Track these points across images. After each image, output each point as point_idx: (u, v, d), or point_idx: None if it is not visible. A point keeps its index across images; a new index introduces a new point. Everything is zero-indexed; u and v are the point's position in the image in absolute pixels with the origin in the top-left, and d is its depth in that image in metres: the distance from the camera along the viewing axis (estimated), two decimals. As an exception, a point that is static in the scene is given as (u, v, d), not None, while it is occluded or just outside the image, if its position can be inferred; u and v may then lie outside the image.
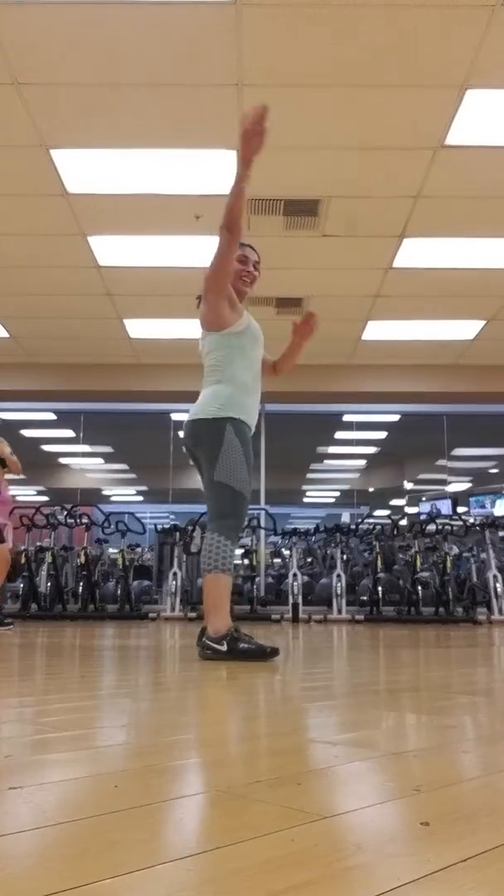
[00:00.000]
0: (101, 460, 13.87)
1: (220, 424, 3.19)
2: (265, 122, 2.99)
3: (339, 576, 8.11)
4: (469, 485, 13.11)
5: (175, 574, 8.07)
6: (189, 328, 7.90)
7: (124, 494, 15.34)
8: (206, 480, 3.25)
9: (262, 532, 9.21)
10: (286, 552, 9.89)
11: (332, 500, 15.50)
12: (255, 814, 0.89)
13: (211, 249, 3.28)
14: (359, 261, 6.54)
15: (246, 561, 8.83)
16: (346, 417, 11.08)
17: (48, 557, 8.12)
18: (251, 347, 3.33)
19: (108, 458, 13.83)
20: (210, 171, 5.18)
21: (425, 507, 11.24)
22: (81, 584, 8.33)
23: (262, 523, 8.87)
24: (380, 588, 8.09)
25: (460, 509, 11.03)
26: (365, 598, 8.61)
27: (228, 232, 3.14)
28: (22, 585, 8.00)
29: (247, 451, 3.24)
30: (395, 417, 10.85)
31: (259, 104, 3.03)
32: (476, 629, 6.59)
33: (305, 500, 15.69)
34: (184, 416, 3.37)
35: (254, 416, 3.33)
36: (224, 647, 3.01)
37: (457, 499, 11.23)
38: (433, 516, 9.12)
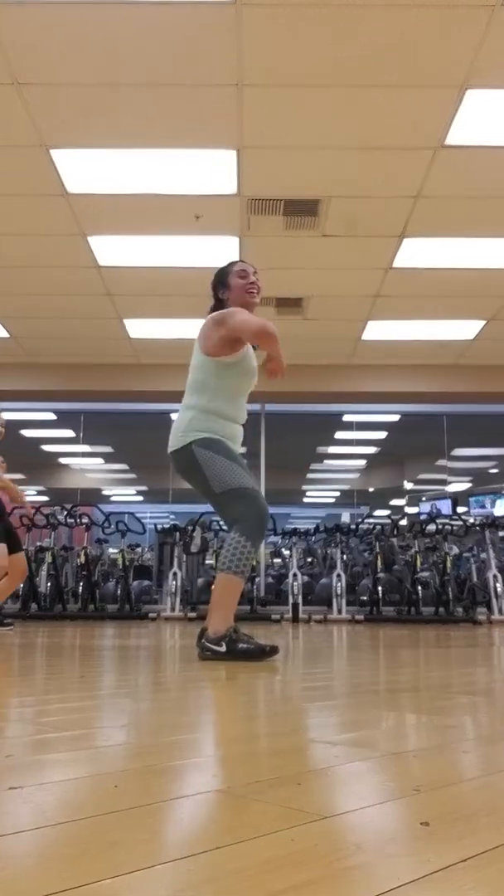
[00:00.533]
0: (101, 460, 13.87)
1: (187, 451, 3.23)
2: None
3: (338, 576, 8.11)
4: (469, 485, 13.12)
5: (175, 574, 8.07)
6: (189, 328, 7.89)
7: (124, 494, 15.35)
8: (212, 500, 3.27)
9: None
10: (286, 552, 9.89)
11: (332, 500, 15.50)
12: (255, 814, 0.89)
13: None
14: (359, 261, 6.54)
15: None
16: (346, 417, 11.08)
17: (48, 557, 8.12)
18: (236, 379, 3.32)
19: (108, 458, 13.83)
20: (210, 171, 5.18)
21: (425, 508, 11.25)
22: (81, 584, 8.33)
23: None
24: (380, 588, 8.09)
25: (460, 509, 11.03)
26: (365, 598, 8.61)
27: (270, 336, 3.14)
28: (22, 585, 7.99)
29: (227, 454, 3.23)
30: (395, 417, 10.85)
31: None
32: (476, 629, 6.59)
33: (305, 500, 15.70)
34: (174, 423, 3.39)
35: (226, 432, 3.30)
36: (223, 648, 3.02)
37: (457, 499, 11.24)
38: (433, 516, 9.13)
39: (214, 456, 3.20)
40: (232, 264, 3.48)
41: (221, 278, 3.45)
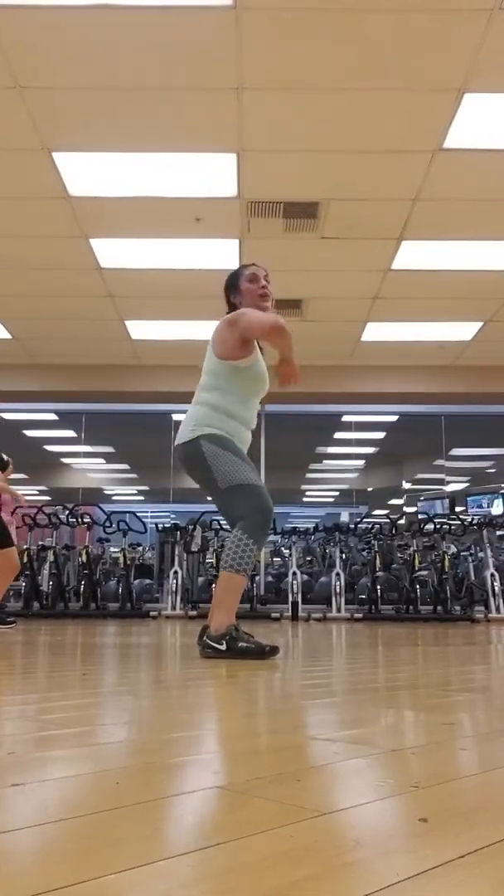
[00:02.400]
0: (102, 460, 13.87)
1: (196, 445, 3.22)
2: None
3: (338, 574, 8.12)
4: (467, 484, 13.13)
5: (176, 573, 8.07)
6: (190, 329, 7.90)
7: (125, 494, 15.35)
8: (216, 496, 3.25)
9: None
10: (286, 551, 9.89)
11: (332, 500, 15.51)
12: (255, 810, 0.89)
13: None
14: (358, 263, 6.54)
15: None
16: (346, 418, 11.09)
17: (50, 556, 8.12)
18: (248, 382, 3.33)
19: (109, 458, 13.83)
20: (210, 173, 5.19)
21: (424, 508, 11.25)
22: (83, 582, 8.33)
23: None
24: (378, 587, 8.10)
25: (458, 509, 11.04)
26: (364, 596, 8.61)
27: (282, 331, 3.16)
28: (24, 584, 8.00)
29: (234, 450, 3.24)
30: (394, 418, 10.85)
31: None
32: (474, 627, 6.60)
33: (305, 499, 15.70)
34: (184, 417, 3.40)
35: (236, 433, 3.30)
36: (223, 646, 3.02)
37: (454, 498, 11.24)
38: (431, 516, 9.14)
39: (222, 452, 3.20)
40: (244, 268, 3.46)
41: (233, 282, 3.43)
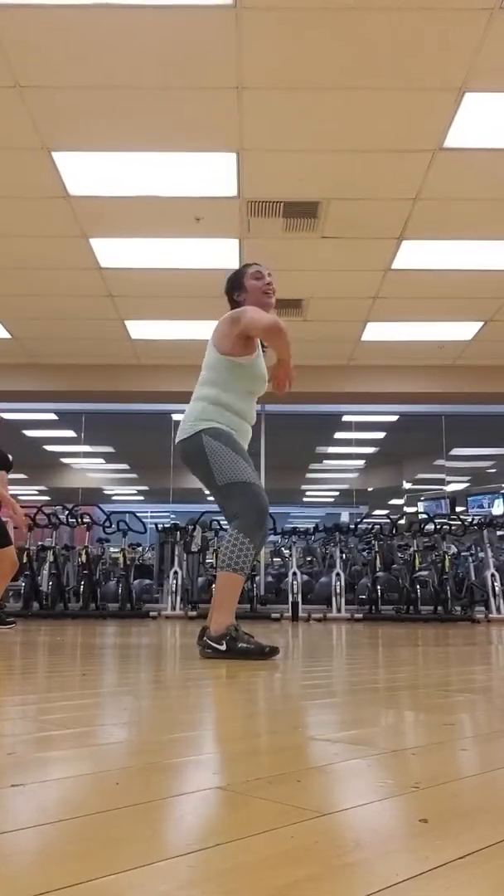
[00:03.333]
0: (102, 460, 13.87)
1: (197, 439, 3.23)
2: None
3: (338, 575, 8.11)
4: (467, 484, 13.12)
5: (176, 573, 8.07)
6: (189, 329, 7.91)
7: (125, 494, 15.35)
8: (214, 492, 3.27)
9: (262, 532, 9.19)
10: (286, 551, 9.89)
11: (332, 500, 15.50)
12: (255, 811, 0.89)
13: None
14: (358, 262, 6.54)
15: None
16: (346, 418, 11.09)
17: (50, 556, 8.12)
18: (247, 380, 3.34)
19: (109, 458, 13.83)
20: (210, 173, 5.19)
21: (430, 508, 11.24)
22: (83, 582, 8.33)
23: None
24: (379, 587, 8.09)
25: (458, 509, 11.04)
26: (364, 596, 8.61)
27: (280, 331, 3.18)
28: (24, 584, 8.00)
29: (234, 447, 3.25)
30: (394, 418, 10.85)
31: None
32: (474, 628, 6.60)
33: (305, 499, 15.70)
34: (184, 413, 3.41)
35: (237, 426, 3.32)
36: (223, 647, 3.02)
37: (455, 498, 11.24)
38: (431, 516, 9.13)
39: (222, 447, 3.21)
40: (247, 266, 3.50)
41: (237, 280, 3.45)
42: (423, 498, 11.84)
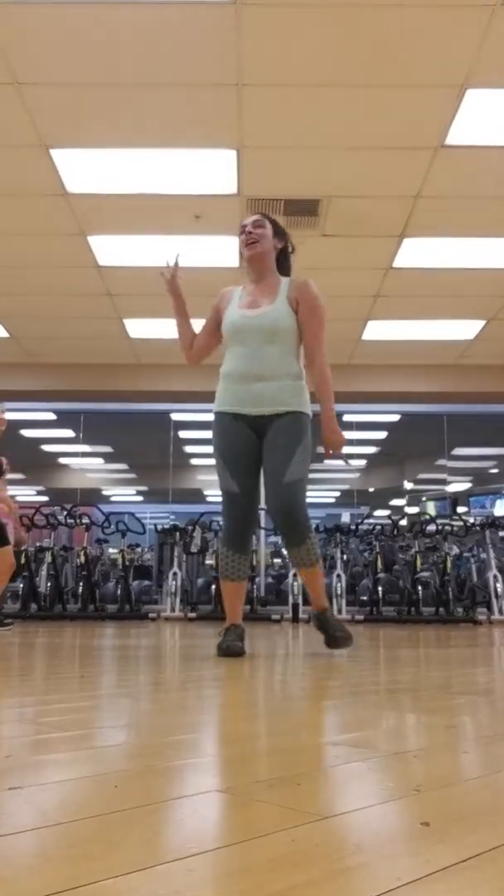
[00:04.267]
0: (100, 460, 13.87)
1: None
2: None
3: (338, 576, 8.11)
4: (469, 485, 13.12)
5: (175, 574, 8.06)
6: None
7: (124, 494, 15.34)
8: None
9: (262, 532, 9.21)
10: (286, 552, 9.88)
11: (332, 501, 15.49)
12: (256, 814, 0.89)
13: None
14: (359, 261, 6.54)
15: (246, 561, 8.80)
16: (346, 417, 11.07)
17: (48, 557, 8.11)
18: (234, 340, 3.33)
19: (107, 458, 13.83)
20: (210, 170, 5.19)
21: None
22: (81, 584, 8.32)
23: (262, 523, 8.87)
24: (380, 588, 8.09)
25: (460, 509, 11.03)
26: (365, 598, 8.61)
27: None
28: (22, 585, 7.99)
29: (223, 441, 3.26)
30: (395, 417, 10.85)
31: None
32: (476, 629, 6.59)
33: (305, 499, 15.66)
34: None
35: (237, 399, 3.27)
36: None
37: (456, 499, 11.23)
38: (433, 517, 9.13)
39: (216, 444, 3.30)
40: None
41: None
42: (424, 498, 11.83)
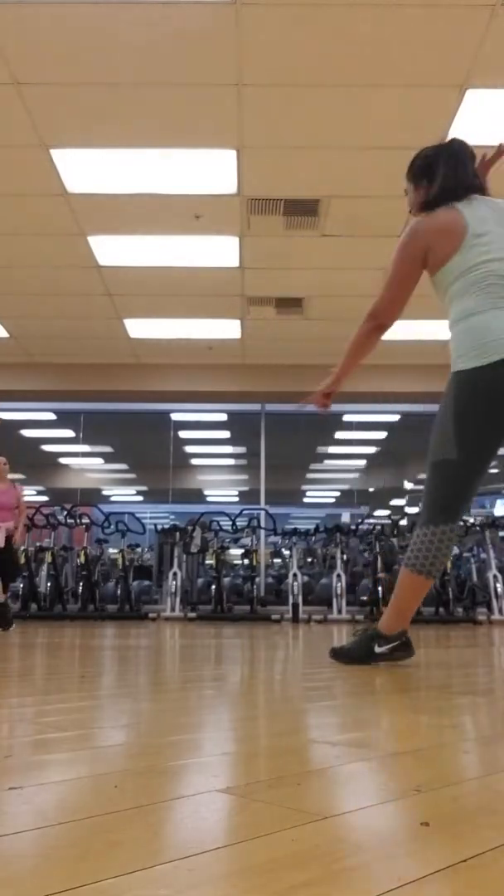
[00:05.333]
0: (100, 460, 13.86)
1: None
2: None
3: (339, 576, 8.11)
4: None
5: (175, 574, 8.06)
6: (189, 328, 7.90)
7: (124, 494, 15.33)
8: None
9: (262, 532, 9.21)
10: (286, 552, 9.88)
11: (332, 501, 15.49)
12: (256, 814, 0.89)
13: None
14: (359, 261, 6.53)
15: (246, 561, 8.83)
16: (347, 417, 11.07)
17: (48, 557, 8.12)
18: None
19: (107, 458, 13.82)
20: (210, 170, 5.18)
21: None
22: (81, 584, 8.33)
23: (262, 523, 8.87)
24: (380, 588, 8.09)
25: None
26: (365, 598, 8.60)
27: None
28: (22, 585, 7.99)
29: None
30: (396, 417, 10.84)
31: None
32: (476, 629, 6.59)
33: (305, 500, 15.68)
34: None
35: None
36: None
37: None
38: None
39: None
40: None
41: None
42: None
